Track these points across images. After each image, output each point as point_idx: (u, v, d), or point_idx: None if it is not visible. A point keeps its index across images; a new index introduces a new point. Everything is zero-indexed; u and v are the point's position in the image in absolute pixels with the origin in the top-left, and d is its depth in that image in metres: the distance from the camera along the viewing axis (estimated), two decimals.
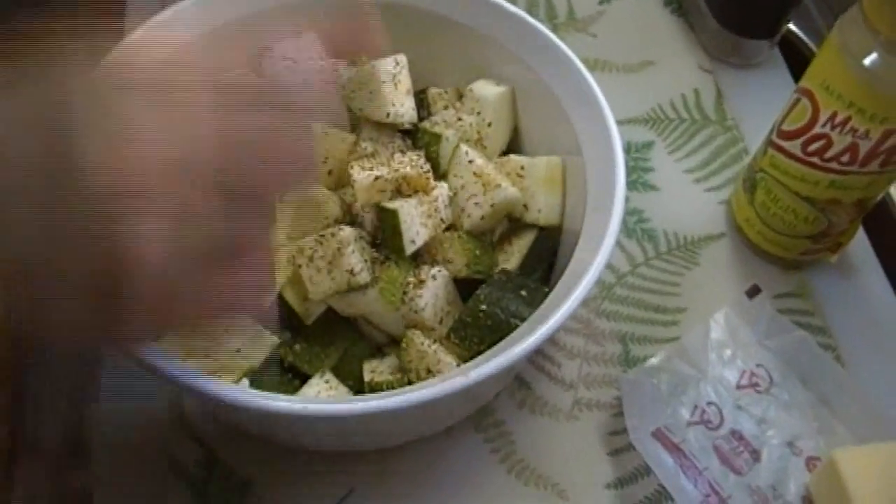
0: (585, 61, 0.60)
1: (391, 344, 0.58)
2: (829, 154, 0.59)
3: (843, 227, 0.64)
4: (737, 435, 0.60)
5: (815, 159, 0.59)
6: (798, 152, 0.60)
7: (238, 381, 0.53)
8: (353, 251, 0.54)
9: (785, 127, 0.61)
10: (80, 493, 0.58)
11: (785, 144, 0.61)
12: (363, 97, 0.59)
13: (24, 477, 0.59)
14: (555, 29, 0.81)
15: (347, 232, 0.54)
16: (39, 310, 0.41)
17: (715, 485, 0.57)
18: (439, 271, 0.56)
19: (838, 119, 0.57)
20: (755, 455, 0.59)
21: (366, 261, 0.55)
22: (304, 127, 0.46)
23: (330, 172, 0.59)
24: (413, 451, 0.58)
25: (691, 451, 0.58)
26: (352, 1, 0.63)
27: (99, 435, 0.59)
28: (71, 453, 0.61)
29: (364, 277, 0.54)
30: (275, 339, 0.55)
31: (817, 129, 0.58)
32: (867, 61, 0.54)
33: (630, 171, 0.73)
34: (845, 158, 0.58)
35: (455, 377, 0.47)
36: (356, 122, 0.62)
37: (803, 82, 0.59)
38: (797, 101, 0.60)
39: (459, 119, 0.61)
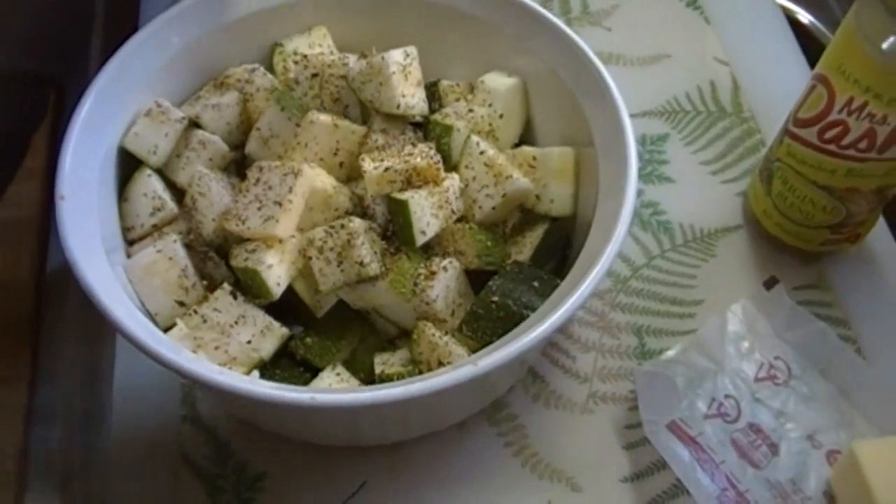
0: (600, 55, 0.59)
1: (403, 337, 0.57)
2: (845, 141, 0.57)
3: (862, 216, 0.63)
4: (755, 428, 0.59)
5: (831, 147, 0.58)
6: (814, 140, 0.59)
7: (248, 373, 0.53)
8: (363, 242, 0.53)
9: (801, 115, 0.60)
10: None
11: (801, 132, 0.60)
12: (373, 88, 0.58)
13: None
14: (569, 23, 0.80)
15: (357, 223, 0.54)
16: None
17: (732, 478, 0.56)
18: (451, 262, 0.55)
19: (855, 105, 0.56)
20: (773, 448, 0.58)
21: (376, 252, 0.54)
22: None
23: (341, 164, 0.59)
24: (426, 444, 0.58)
25: (708, 445, 0.58)
26: None
27: (111, 428, 0.59)
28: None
29: (374, 269, 0.54)
30: (286, 332, 0.55)
31: (833, 116, 0.57)
32: (885, 45, 0.53)
33: (645, 163, 0.72)
34: (863, 145, 0.57)
35: (464, 366, 0.46)
36: (367, 115, 0.62)
37: (819, 68, 0.59)
38: (813, 87, 0.59)
39: (471, 111, 0.61)
